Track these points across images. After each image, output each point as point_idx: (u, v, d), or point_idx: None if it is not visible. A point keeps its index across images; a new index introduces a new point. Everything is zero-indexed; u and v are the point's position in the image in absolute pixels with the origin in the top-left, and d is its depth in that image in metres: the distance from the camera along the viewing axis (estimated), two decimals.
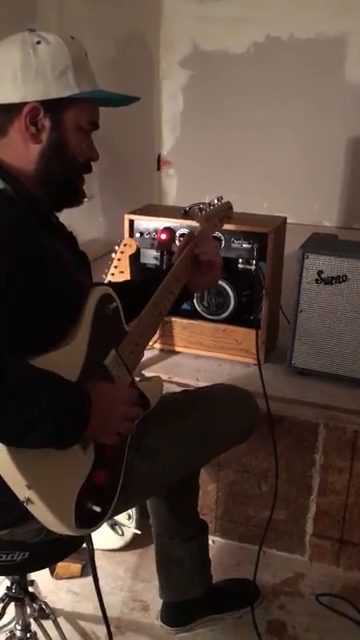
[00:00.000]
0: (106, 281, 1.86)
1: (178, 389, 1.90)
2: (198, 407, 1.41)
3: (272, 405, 1.76)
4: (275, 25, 3.56)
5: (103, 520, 1.09)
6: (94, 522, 1.06)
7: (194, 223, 1.86)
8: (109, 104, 1.24)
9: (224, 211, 1.62)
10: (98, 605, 1.68)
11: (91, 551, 1.15)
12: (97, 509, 1.04)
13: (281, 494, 1.84)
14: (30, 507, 0.94)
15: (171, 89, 3.79)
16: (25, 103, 1.09)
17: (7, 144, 1.12)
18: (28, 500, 0.93)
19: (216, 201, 1.60)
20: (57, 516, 0.97)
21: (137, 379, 1.30)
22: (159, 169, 3.91)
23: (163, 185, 3.96)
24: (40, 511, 0.95)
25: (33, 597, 1.40)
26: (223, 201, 1.64)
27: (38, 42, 1.09)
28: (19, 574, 1.30)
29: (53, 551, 1.19)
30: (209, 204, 1.58)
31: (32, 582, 1.59)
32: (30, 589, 1.57)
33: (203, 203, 1.59)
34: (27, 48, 1.08)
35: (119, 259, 1.87)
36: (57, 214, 1.27)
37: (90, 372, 1.07)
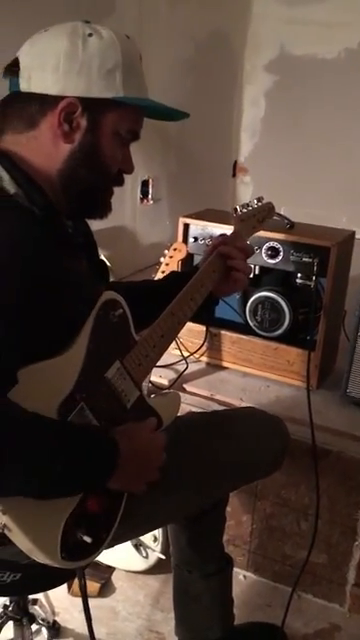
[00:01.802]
0: None
1: (219, 408, 1.76)
2: (219, 432, 1.27)
3: (318, 436, 1.59)
4: None
5: (97, 552, 0.97)
6: (84, 554, 0.95)
7: None
8: (155, 116, 1.13)
9: (264, 212, 1.48)
10: (112, 631, 1.60)
11: (83, 587, 1.04)
12: (88, 540, 0.93)
13: (322, 535, 1.66)
14: (8, 534, 0.85)
15: (253, 94, 3.65)
16: (63, 97, 0.99)
17: (35, 138, 1.01)
18: (4, 526, 0.83)
19: (255, 201, 1.46)
20: (39, 546, 0.86)
21: (150, 393, 1.18)
22: (234, 176, 3.78)
23: (237, 192, 3.83)
24: (20, 540, 0.85)
25: (32, 618, 1.30)
26: (264, 202, 1.50)
27: (90, 34, 0.99)
28: (8, 596, 1.20)
29: (48, 575, 1.08)
30: (247, 204, 1.45)
31: (35, 601, 1.49)
32: (37, 607, 1.50)
33: (244, 203, 1.47)
34: (76, 39, 0.99)
35: (167, 264, 1.76)
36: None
37: (87, 385, 0.96)
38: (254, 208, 1.44)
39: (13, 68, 1.00)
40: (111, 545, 1.06)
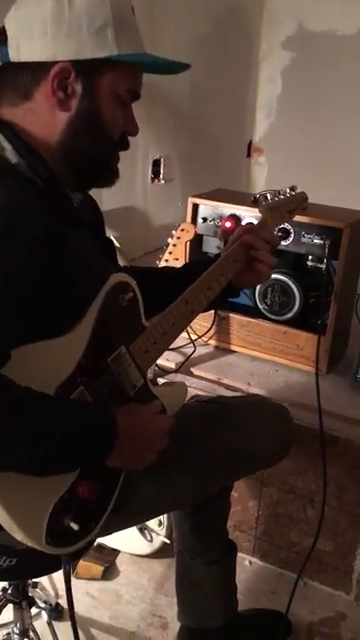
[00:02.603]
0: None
1: (226, 392, 1.73)
2: (224, 422, 1.23)
3: (327, 422, 1.55)
4: None
5: (85, 540, 0.95)
6: (70, 541, 0.92)
7: None
8: (155, 70, 1.06)
9: (296, 202, 1.42)
10: (115, 615, 1.59)
11: (67, 575, 1.02)
12: (75, 527, 0.90)
13: (328, 523, 1.63)
14: None
15: (270, 71, 3.55)
16: (54, 63, 0.93)
17: (31, 109, 0.96)
18: None
19: (288, 190, 1.41)
20: (23, 529, 0.84)
21: (159, 381, 1.14)
22: (249, 156, 3.70)
23: (252, 173, 3.75)
24: (4, 520, 0.83)
25: (32, 602, 1.29)
26: (297, 191, 1.44)
27: None
28: (5, 580, 1.19)
29: (44, 560, 1.06)
30: (278, 192, 1.39)
31: (36, 584, 1.48)
32: (38, 590, 1.49)
33: (275, 190, 1.41)
34: None
35: (174, 245, 1.71)
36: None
37: (89, 368, 0.93)
38: (286, 197, 1.38)
39: (0, 37, 0.95)
40: (103, 534, 1.03)
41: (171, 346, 1.87)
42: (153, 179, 2.78)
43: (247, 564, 1.79)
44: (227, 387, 1.76)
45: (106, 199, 2.56)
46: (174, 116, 2.78)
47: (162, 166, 2.79)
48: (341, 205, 1.94)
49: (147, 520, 1.41)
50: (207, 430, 1.19)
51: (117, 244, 2.81)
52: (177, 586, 1.47)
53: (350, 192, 3.35)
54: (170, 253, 1.72)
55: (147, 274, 1.24)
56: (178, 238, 1.72)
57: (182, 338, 1.93)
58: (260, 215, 1.34)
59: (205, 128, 3.08)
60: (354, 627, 1.62)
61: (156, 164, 2.77)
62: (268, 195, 1.34)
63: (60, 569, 1.07)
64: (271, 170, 3.71)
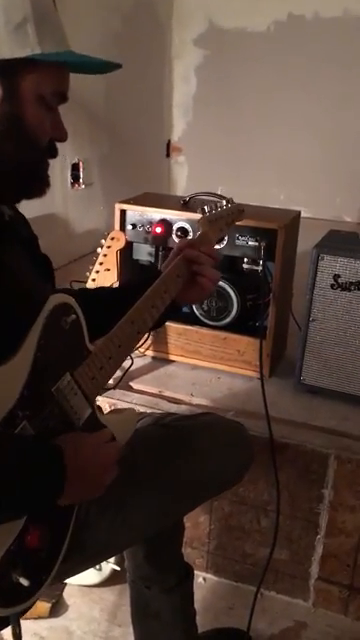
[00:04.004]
0: (89, 280, 1.62)
1: (169, 405, 1.66)
2: (179, 448, 1.15)
3: (275, 429, 1.51)
4: (298, 2, 3.27)
5: (36, 595, 0.85)
6: (20, 599, 0.82)
7: (194, 215, 1.62)
8: (82, 70, 0.98)
9: (233, 215, 1.37)
10: None
11: (16, 637, 0.91)
12: (25, 582, 0.80)
13: (283, 531, 1.59)
14: None
15: (183, 69, 3.52)
16: None
17: None
18: None
19: (225, 203, 1.35)
20: None
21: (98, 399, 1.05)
22: (168, 156, 3.65)
23: (172, 173, 3.70)
24: None
25: None
26: (233, 203, 1.38)
27: None
28: None
29: None
30: (215, 205, 1.33)
31: None
32: None
33: (208, 195, 1.34)
34: None
35: (105, 255, 1.62)
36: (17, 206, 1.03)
37: (31, 400, 0.83)
38: (223, 209, 1.32)
39: None
40: (57, 583, 0.93)
41: None
42: (73, 184, 2.67)
43: (201, 581, 1.72)
44: (169, 400, 1.68)
45: (24, 207, 2.42)
46: (89, 117, 2.67)
47: (81, 170, 2.68)
48: (262, 202, 1.90)
49: (104, 560, 1.31)
50: (161, 462, 1.10)
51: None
52: (133, 618, 1.38)
53: (270, 189, 3.38)
54: (101, 264, 1.62)
55: (84, 295, 1.14)
56: (108, 247, 1.63)
57: None
58: (194, 217, 1.27)
59: (123, 129, 2.99)
60: (315, 634, 1.58)
61: (75, 168, 2.66)
62: (206, 208, 1.27)
63: (8, 626, 0.97)
64: (191, 169, 3.68)
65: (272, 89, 3.37)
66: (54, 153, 0.95)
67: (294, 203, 2.28)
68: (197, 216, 1.32)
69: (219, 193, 1.65)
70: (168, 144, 3.61)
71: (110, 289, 1.36)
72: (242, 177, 3.45)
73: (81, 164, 2.67)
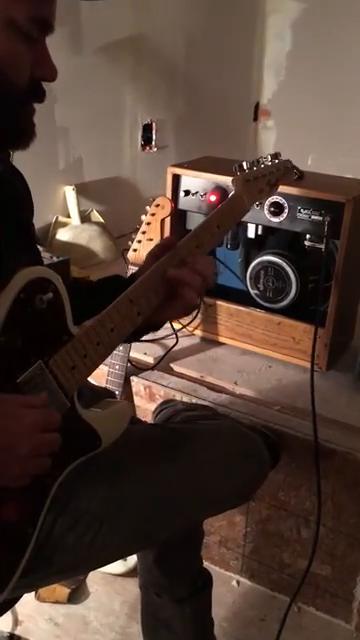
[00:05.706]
0: (130, 250, 1.49)
1: (206, 394, 1.51)
2: (174, 456, 0.99)
3: (322, 431, 1.33)
4: None
5: None
6: None
7: None
8: None
9: (278, 173, 1.17)
10: None
11: None
12: None
13: (325, 545, 1.42)
14: None
15: (278, 25, 3.22)
16: None
17: None
18: None
19: (269, 158, 1.15)
20: None
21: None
22: (256, 120, 3.40)
23: (259, 139, 3.45)
24: None
25: None
26: (282, 159, 1.19)
27: None
28: None
29: None
30: (257, 161, 1.14)
31: None
32: None
33: (254, 160, 1.15)
34: None
35: (148, 223, 1.48)
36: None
37: None
38: (266, 166, 1.13)
39: None
40: (25, 592, 0.82)
41: (151, 337, 1.67)
42: (144, 146, 2.52)
43: (235, 584, 1.59)
44: (210, 387, 1.53)
45: (87, 169, 2.32)
46: (166, 75, 2.51)
47: (154, 132, 2.52)
48: (355, 174, 1.67)
49: (90, 571, 1.19)
50: (156, 465, 0.96)
51: (101, 219, 2.56)
52: (142, 623, 1.27)
53: None
54: (143, 233, 1.48)
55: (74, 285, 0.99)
56: (152, 215, 1.48)
57: (164, 328, 1.70)
58: (233, 185, 1.08)
59: (204, 89, 2.79)
60: None
61: (147, 129, 2.51)
62: (244, 164, 1.08)
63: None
64: (281, 135, 3.41)
65: None
66: (40, 95, 0.79)
67: None
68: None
69: (308, 163, 1.45)
70: (256, 107, 3.36)
71: (86, 281, 1.18)
72: (337, 146, 3.15)
73: (154, 125, 2.52)
